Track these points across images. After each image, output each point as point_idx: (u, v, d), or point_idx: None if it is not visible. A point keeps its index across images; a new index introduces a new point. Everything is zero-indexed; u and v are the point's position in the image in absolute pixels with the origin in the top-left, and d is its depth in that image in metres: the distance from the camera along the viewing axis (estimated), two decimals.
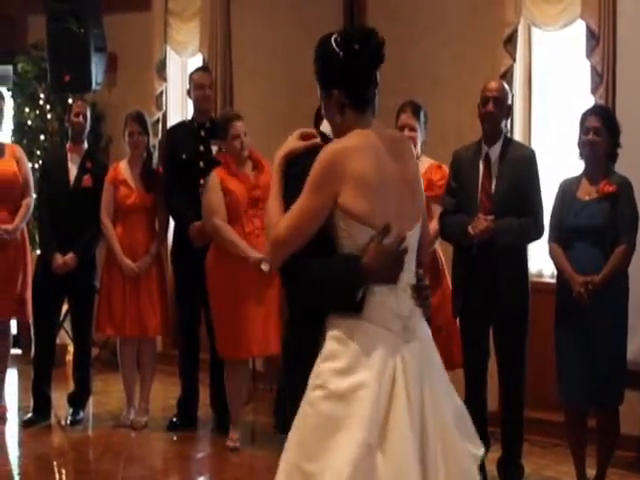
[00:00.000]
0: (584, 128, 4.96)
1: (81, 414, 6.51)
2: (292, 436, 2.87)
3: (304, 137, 3.05)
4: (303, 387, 2.89)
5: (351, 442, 2.74)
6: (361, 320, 2.85)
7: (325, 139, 3.06)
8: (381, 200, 2.87)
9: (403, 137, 3.09)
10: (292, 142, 3.04)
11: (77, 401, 6.53)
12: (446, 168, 5.36)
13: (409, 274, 2.95)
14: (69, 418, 6.45)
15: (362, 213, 2.84)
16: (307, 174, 2.88)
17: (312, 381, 2.86)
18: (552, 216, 5.11)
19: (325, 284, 2.88)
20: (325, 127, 3.12)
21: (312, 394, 2.84)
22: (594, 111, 5.07)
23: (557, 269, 5.09)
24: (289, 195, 2.94)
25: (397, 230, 2.88)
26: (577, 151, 5.05)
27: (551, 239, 5.08)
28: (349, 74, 2.91)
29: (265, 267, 5.62)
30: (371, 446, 2.75)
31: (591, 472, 5.08)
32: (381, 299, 2.87)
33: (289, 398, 3.07)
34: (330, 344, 2.86)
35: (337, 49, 2.91)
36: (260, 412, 6.50)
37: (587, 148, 4.95)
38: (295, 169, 2.98)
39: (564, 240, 5.01)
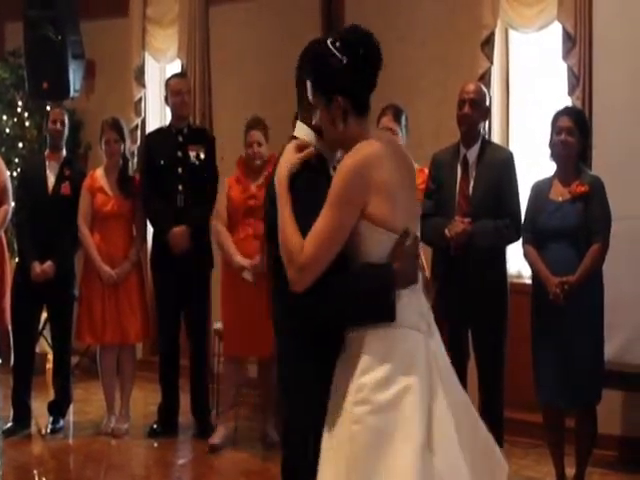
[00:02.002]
0: (556, 128, 4.97)
1: (61, 422, 6.48)
2: (336, 463, 2.77)
3: (299, 148, 2.94)
4: (316, 411, 2.84)
5: (408, 450, 2.71)
6: (393, 327, 2.81)
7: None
8: (401, 204, 2.85)
9: (394, 138, 3.05)
10: (291, 156, 2.93)
11: (57, 409, 6.50)
12: (427, 171, 5.37)
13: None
14: (49, 427, 6.41)
15: (388, 220, 2.82)
16: (311, 186, 2.84)
17: (352, 397, 2.78)
18: (526, 218, 5.12)
19: (361, 295, 2.82)
20: (299, 132, 3.05)
21: (357, 410, 2.76)
22: (566, 112, 5.08)
23: (532, 271, 5.09)
24: (297, 211, 2.84)
25: (413, 231, 2.90)
26: (549, 152, 5.05)
27: (525, 241, 5.09)
28: (356, 80, 2.84)
29: (248, 277, 5.67)
30: (425, 450, 2.72)
31: (571, 471, 5.09)
32: (408, 301, 2.85)
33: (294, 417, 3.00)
34: (365, 359, 2.79)
35: (339, 54, 2.82)
36: (243, 417, 6.45)
37: (560, 148, 4.95)
38: (298, 183, 2.88)
39: (538, 241, 5.01)
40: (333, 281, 2.81)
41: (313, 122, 2.97)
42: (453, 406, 2.86)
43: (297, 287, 2.81)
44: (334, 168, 2.96)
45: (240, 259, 5.82)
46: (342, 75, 2.83)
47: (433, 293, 3.07)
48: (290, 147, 2.96)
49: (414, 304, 2.88)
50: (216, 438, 6.02)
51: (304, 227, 2.80)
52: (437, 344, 2.94)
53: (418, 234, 2.98)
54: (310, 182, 2.87)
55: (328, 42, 2.85)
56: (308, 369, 2.91)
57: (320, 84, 2.88)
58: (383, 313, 2.80)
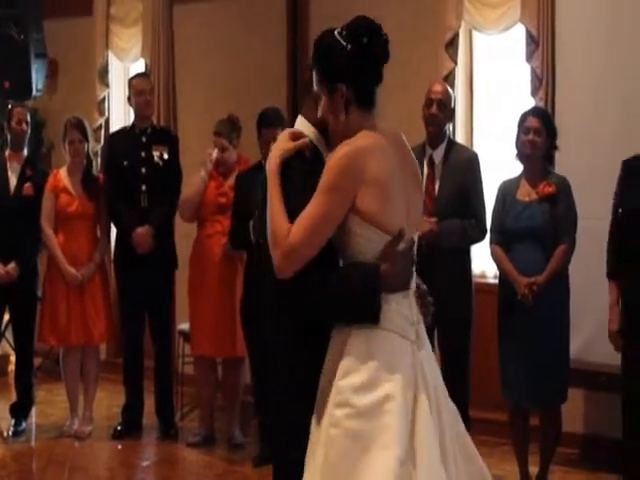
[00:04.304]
0: (524, 128, 5.00)
1: (23, 425, 6.40)
2: (314, 464, 2.71)
3: (293, 137, 2.89)
4: (299, 407, 2.78)
5: (388, 459, 2.62)
6: (379, 329, 2.72)
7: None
8: (395, 204, 2.77)
9: (400, 135, 2.95)
10: (283, 143, 2.87)
11: (19, 412, 6.43)
12: None
13: (414, 279, 2.89)
14: (11, 429, 6.33)
15: (379, 216, 2.73)
16: (303, 176, 2.79)
17: (332, 398, 2.70)
18: (493, 218, 5.13)
19: (344, 295, 2.72)
20: (299, 126, 3.00)
21: (336, 413, 2.68)
22: (533, 112, 5.12)
23: (500, 271, 5.11)
24: (287, 196, 2.79)
25: (408, 234, 2.81)
26: (515, 152, 5.08)
27: (493, 241, 5.11)
28: (357, 67, 2.80)
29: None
30: (405, 461, 2.64)
31: (534, 470, 5.13)
32: (396, 306, 2.77)
33: (275, 414, 2.90)
34: (347, 360, 2.71)
35: (343, 42, 2.79)
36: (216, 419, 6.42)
37: (527, 148, 4.98)
38: (289, 171, 2.83)
39: (505, 242, 5.04)
40: (317, 276, 2.74)
41: (318, 113, 2.91)
42: (438, 417, 2.79)
43: (282, 273, 2.73)
44: None
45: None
46: (345, 62, 2.79)
47: (429, 308, 2.96)
48: (285, 134, 2.92)
49: (404, 311, 2.79)
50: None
51: (292, 212, 2.75)
52: (426, 357, 2.84)
53: (416, 238, 2.90)
54: (301, 169, 2.82)
55: (335, 32, 2.84)
56: (298, 356, 2.82)
57: (323, 72, 2.85)
58: (366, 315, 2.72)
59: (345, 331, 2.76)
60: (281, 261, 2.72)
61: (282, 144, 2.88)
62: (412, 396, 2.72)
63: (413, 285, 2.88)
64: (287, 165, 2.83)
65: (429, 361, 2.87)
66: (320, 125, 2.93)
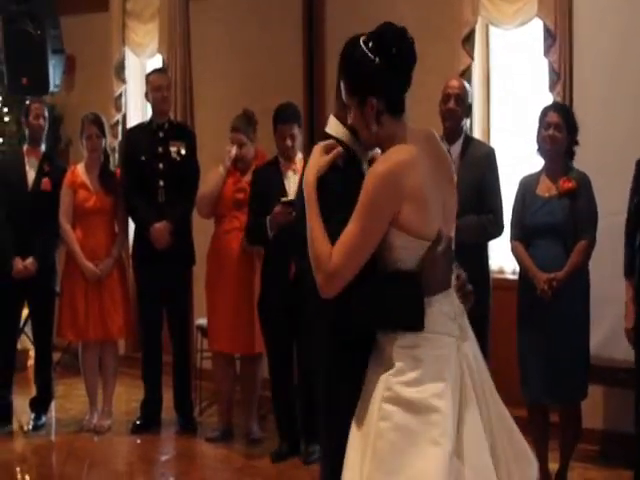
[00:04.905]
0: (544, 123, 4.98)
1: (43, 419, 6.45)
2: (357, 452, 2.75)
3: (326, 150, 2.86)
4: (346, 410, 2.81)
5: (436, 454, 2.66)
6: (425, 333, 2.75)
7: (336, 143, 2.91)
8: (433, 211, 2.77)
9: (431, 132, 2.94)
10: (317, 159, 2.85)
11: (39, 406, 6.47)
12: None
13: (454, 273, 2.90)
14: (31, 423, 6.38)
15: (421, 228, 2.74)
16: (341, 188, 2.78)
17: (381, 393, 2.74)
18: (513, 214, 5.12)
19: (387, 306, 2.76)
20: (331, 128, 2.98)
21: (386, 407, 2.72)
22: (554, 107, 5.10)
23: (520, 267, 5.10)
24: (326, 215, 2.78)
25: (446, 232, 2.82)
26: (536, 147, 5.06)
27: (513, 237, 5.10)
28: (389, 80, 2.76)
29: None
30: (454, 457, 2.68)
31: (554, 466, 5.12)
32: (439, 307, 2.78)
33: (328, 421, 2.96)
34: (396, 363, 2.75)
35: (371, 55, 2.75)
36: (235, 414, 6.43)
37: (548, 143, 4.96)
38: (326, 186, 2.81)
39: (526, 237, 5.03)
40: (361, 289, 2.75)
41: (348, 122, 2.89)
42: (486, 411, 2.81)
43: (326, 294, 2.76)
44: (371, 162, 2.89)
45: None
46: (375, 76, 2.76)
47: (470, 297, 2.98)
48: (317, 150, 2.88)
49: (446, 309, 2.81)
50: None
51: (333, 232, 2.75)
52: (471, 347, 2.87)
53: (453, 233, 2.91)
54: (338, 184, 2.80)
55: (361, 41, 2.79)
56: (343, 366, 2.87)
57: (353, 85, 2.82)
58: (411, 323, 2.75)
59: (391, 336, 2.78)
60: (324, 284, 2.75)
61: (315, 160, 2.86)
62: (458, 396, 2.75)
63: (453, 279, 2.89)
64: (323, 180, 2.82)
65: (474, 351, 2.89)
66: (354, 126, 2.90)
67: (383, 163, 2.74)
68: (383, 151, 2.83)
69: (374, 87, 2.77)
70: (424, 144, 2.85)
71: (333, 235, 2.75)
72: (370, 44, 2.78)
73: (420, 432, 2.69)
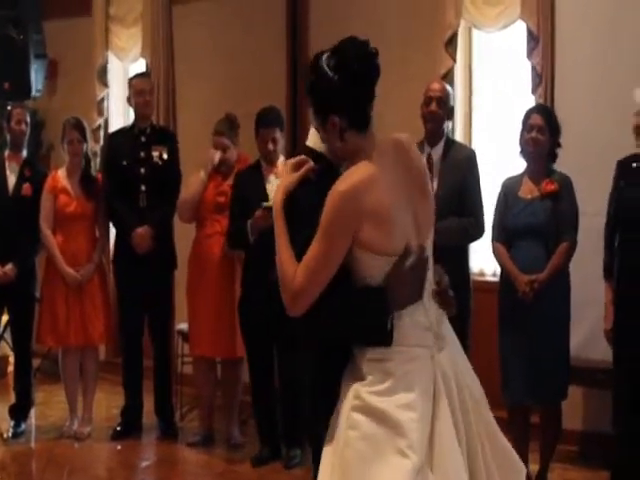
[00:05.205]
0: (527, 126, 4.98)
1: (23, 426, 6.39)
2: (329, 461, 2.73)
3: (297, 166, 2.84)
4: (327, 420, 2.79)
5: (403, 465, 2.61)
6: (395, 346, 2.71)
7: (316, 156, 2.88)
8: (399, 225, 2.72)
9: (403, 138, 2.87)
10: (285, 178, 2.84)
11: (19, 413, 6.41)
12: None
13: (430, 281, 2.84)
14: (11, 430, 6.32)
15: (383, 244, 2.70)
16: (309, 204, 2.76)
17: (350, 402, 2.72)
18: (495, 215, 5.12)
19: (354, 322, 2.73)
20: (311, 141, 2.95)
21: (355, 416, 2.70)
22: (537, 109, 5.11)
23: (501, 268, 5.09)
24: (294, 232, 2.78)
25: (418, 242, 2.76)
26: (518, 149, 5.06)
27: (494, 238, 5.09)
28: (347, 97, 2.71)
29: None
30: (422, 469, 2.64)
31: (534, 467, 5.10)
32: (410, 319, 2.74)
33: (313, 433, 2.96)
34: (367, 376, 2.72)
35: (330, 73, 2.71)
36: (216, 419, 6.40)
37: (531, 145, 4.96)
38: (296, 203, 2.81)
39: (507, 239, 5.02)
40: (330, 303, 2.74)
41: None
42: (467, 418, 2.78)
43: (292, 312, 2.76)
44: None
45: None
46: (334, 95, 2.72)
47: (452, 304, 2.92)
48: (287, 166, 2.87)
49: (419, 320, 2.76)
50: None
51: (300, 249, 2.74)
52: (449, 355, 2.82)
53: (432, 236, 2.86)
54: (311, 197, 2.77)
55: (323, 59, 2.75)
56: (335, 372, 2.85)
57: (314, 104, 2.80)
58: (378, 339, 2.71)
59: (362, 350, 2.76)
60: (290, 303, 2.75)
61: (284, 180, 2.85)
62: (431, 407, 2.72)
63: (429, 287, 2.83)
64: (293, 197, 2.81)
65: (452, 358, 2.84)
66: None
67: (342, 182, 2.71)
68: (352, 164, 2.78)
69: (334, 106, 2.74)
70: (392, 155, 2.80)
71: (300, 252, 2.75)
72: (331, 62, 2.73)
73: (387, 442, 2.66)
